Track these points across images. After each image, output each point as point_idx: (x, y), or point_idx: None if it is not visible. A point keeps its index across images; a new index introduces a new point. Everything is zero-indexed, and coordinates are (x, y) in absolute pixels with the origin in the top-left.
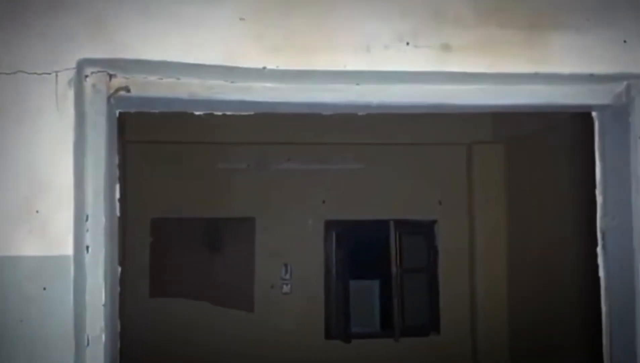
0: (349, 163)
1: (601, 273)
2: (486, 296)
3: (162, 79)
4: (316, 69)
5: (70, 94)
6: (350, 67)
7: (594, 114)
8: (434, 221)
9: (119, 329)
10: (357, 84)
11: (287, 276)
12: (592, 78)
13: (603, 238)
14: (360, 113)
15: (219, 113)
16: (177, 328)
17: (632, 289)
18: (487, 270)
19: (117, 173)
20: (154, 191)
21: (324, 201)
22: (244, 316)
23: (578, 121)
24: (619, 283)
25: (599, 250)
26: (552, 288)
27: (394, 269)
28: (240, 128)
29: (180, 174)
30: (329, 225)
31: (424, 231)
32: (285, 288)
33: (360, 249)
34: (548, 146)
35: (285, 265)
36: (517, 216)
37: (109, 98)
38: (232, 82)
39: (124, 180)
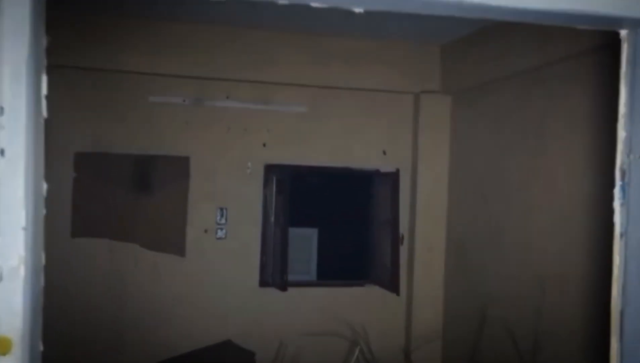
0: (292, 106)
1: (616, 218)
2: (424, 250)
3: None
4: None
5: None
6: None
7: (622, 33)
8: (378, 171)
9: (43, 262)
10: None
11: (223, 221)
12: None
13: (623, 177)
14: (357, 10)
15: None
16: (100, 272)
17: None
18: (427, 222)
19: (44, 61)
20: (79, 123)
21: (264, 144)
22: (174, 260)
23: (519, 81)
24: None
25: (616, 190)
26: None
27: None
28: (177, 60)
29: (109, 106)
30: (269, 169)
31: (367, 180)
32: (220, 233)
33: (301, 196)
34: (490, 99)
35: (221, 209)
36: (460, 169)
37: None
38: None
39: (47, 107)
